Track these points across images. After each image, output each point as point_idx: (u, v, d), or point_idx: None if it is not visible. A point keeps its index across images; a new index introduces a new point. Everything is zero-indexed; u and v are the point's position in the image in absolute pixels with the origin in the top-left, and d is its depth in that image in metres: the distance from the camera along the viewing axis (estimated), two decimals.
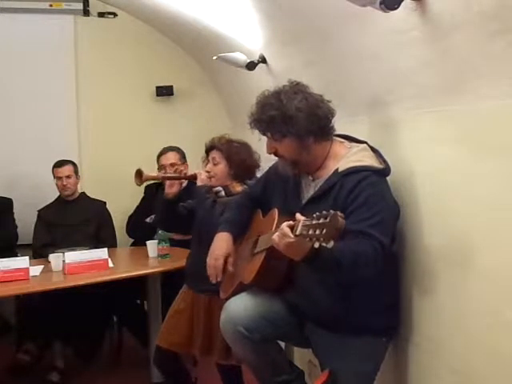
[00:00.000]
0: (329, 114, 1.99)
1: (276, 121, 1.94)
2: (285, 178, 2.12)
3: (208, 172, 2.64)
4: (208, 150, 2.67)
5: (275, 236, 1.79)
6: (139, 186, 2.92)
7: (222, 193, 2.65)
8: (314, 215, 1.62)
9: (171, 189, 2.72)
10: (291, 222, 1.73)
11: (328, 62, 2.49)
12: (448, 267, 1.83)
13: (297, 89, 1.98)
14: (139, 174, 2.78)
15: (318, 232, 1.59)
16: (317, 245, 1.61)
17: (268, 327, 2.05)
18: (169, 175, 2.71)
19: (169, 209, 2.73)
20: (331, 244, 1.59)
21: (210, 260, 2.26)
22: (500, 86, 1.52)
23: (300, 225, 1.67)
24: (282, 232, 1.74)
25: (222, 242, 2.26)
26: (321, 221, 1.59)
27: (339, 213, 1.59)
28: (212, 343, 2.58)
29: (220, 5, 3.10)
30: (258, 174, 2.63)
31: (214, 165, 2.61)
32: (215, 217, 2.50)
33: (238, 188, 2.62)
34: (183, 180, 2.77)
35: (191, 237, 2.81)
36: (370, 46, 2.08)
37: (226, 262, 2.24)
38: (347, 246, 1.77)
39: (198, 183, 2.72)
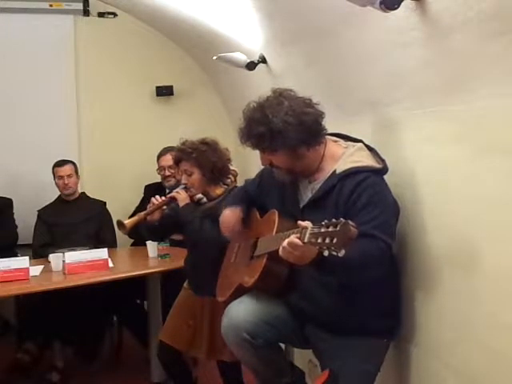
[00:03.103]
0: (318, 118, 1.94)
1: (265, 137, 1.90)
2: (281, 182, 2.09)
3: (185, 184, 2.66)
4: (177, 163, 2.68)
5: (283, 253, 1.73)
6: (127, 234, 3.02)
7: (204, 199, 2.69)
8: (323, 223, 1.58)
9: (153, 216, 2.73)
10: (298, 235, 1.68)
11: (328, 62, 2.48)
12: (449, 268, 1.83)
13: (281, 98, 1.92)
14: (121, 224, 2.79)
15: (327, 241, 1.54)
16: (326, 253, 1.56)
17: (270, 331, 2.04)
18: (150, 210, 2.72)
19: (157, 230, 2.81)
20: (342, 253, 1.54)
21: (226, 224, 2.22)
22: (500, 86, 1.52)
23: (308, 232, 1.62)
24: (292, 246, 1.69)
25: (232, 211, 2.22)
26: (330, 229, 1.55)
27: (350, 222, 1.55)
28: (219, 344, 2.54)
29: (220, 5, 3.10)
30: (232, 167, 2.70)
31: (188, 176, 2.63)
32: (207, 230, 2.49)
33: (218, 191, 2.66)
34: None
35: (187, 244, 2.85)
36: (369, 45, 2.08)
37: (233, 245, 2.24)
38: (354, 248, 1.74)
39: (180, 204, 2.68)
